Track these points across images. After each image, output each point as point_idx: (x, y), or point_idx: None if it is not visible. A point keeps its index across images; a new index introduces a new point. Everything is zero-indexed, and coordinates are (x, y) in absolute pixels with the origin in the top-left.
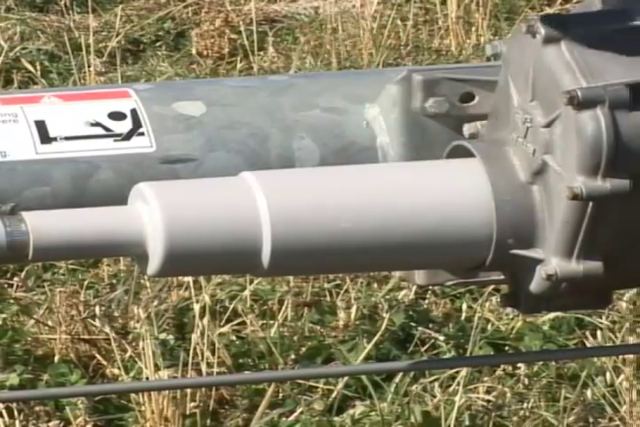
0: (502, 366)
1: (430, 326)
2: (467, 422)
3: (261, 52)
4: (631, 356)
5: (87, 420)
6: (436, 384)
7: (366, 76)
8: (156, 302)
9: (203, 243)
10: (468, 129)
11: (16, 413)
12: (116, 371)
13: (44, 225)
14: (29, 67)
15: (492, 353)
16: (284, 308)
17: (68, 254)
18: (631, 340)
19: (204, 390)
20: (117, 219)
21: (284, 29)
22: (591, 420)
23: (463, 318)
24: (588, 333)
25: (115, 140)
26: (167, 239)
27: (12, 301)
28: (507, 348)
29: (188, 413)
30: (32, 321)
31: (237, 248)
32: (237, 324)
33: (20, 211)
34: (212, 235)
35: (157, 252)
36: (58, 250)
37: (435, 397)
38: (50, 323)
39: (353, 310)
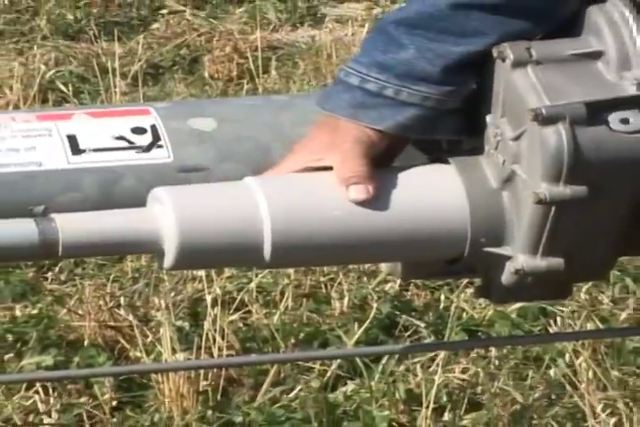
0: (476, 350)
1: (413, 314)
2: (444, 399)
3: (265, 75)
4: (588, 340)
5: (113, 397)
6: (418, 366)
7: None
8: (173, 294)
9: (212, 240)
10: (446, 142)
11: (51, 390)
12: (138, 354)
13: (72, 225)
14: (63, 88)
15: (466, 338)
16: (285, 298)
17: (93, 251)
18: (589, 326)
19: (215, 370)
20: (137, 219)
21: (286, 55)
22: (553, 397)
23: (441, 307)
24: (551, 320)
25: (137, 152)
26: (180, 237)
27: (47, 293)
28: (479, 333)
29: (201, 390)
30: (64, 310)
31: (242, 244)
32: (244, 312)
33: (52, 213)
34: (220, 232)
35: (172, 248)
36: (84, 248)
37: (417, 376)
38: (80, 312)
39: (345, 300)
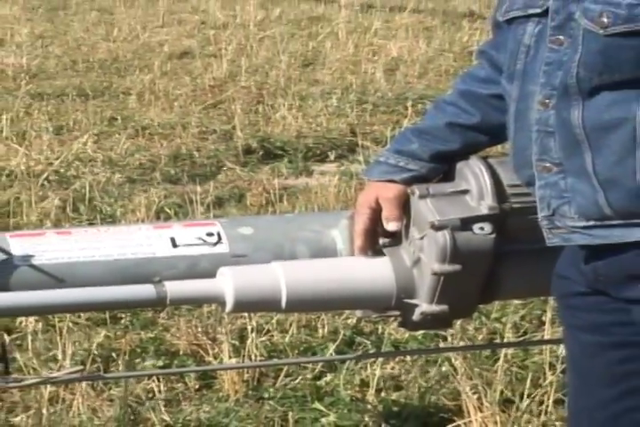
0: (399, 357)
1: (363, 336)
2: (381, 384)
3: (281, 204)
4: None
5: (195, 382)
6: (368, 365)
7: (332, 216)
8: (229, 325)
9: (252, 297)
10: (382, 240)
11: (161, 379)
12: (210, 359)
13: (175, 288)
14: (168, 211)
15: (394, 350)
16: (291, 327)
17: (186, 302)
18: (461, 343)
19: (253, 369)
20: (211, 285)
21: (292, 193)
22: (443, 382)
23: (380, 332)
24: (440, 339)
25: (208, 247)
26: (235, 295)
27: (159, 324)
28: (401, 347)
29: (245, 379)
30: (169, 335)
31: (269, 300)
32: (269, 336)
33: (163, 281)
34: (257, 293)
35: (230, 301)
36: (181, 300)
37: (366, 371)
38: (178, 335)
39: (326, 328)
